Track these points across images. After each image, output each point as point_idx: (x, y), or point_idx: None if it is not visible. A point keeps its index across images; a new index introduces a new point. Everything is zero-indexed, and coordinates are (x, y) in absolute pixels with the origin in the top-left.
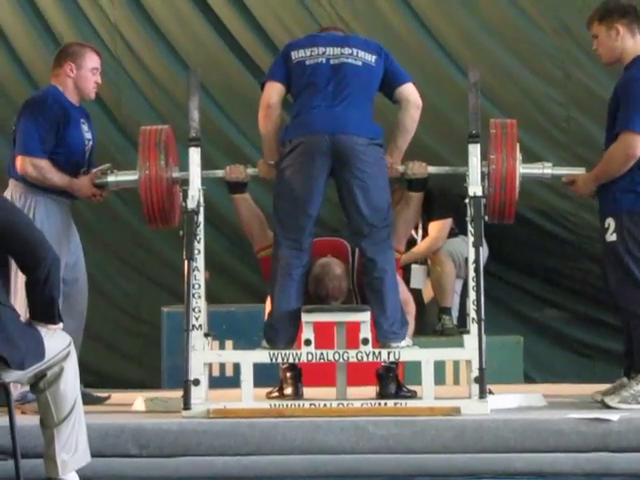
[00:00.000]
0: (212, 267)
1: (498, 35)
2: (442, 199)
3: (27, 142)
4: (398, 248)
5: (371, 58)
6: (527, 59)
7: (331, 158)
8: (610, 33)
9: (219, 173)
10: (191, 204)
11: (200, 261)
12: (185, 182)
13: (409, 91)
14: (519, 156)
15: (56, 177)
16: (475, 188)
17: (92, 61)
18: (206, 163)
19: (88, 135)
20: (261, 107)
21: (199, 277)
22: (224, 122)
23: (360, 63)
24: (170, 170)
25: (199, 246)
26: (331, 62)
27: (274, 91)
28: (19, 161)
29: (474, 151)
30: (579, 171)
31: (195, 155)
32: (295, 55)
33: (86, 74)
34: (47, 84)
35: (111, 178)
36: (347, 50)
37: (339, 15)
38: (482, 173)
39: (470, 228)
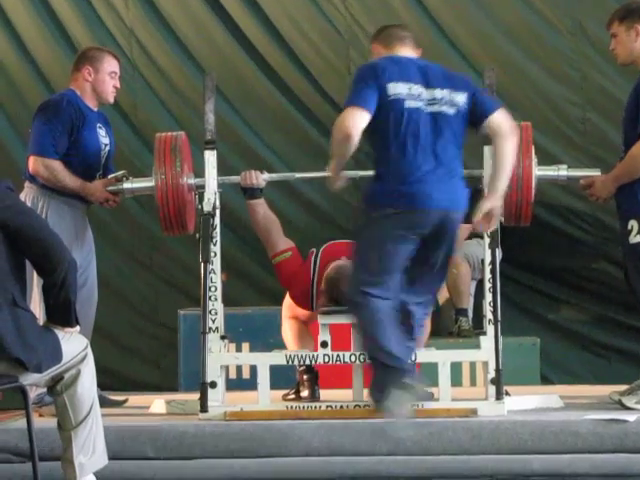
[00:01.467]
0: (229, 269)
1: (513, 36)
2: None
3: (39, 143)
4: None
5: (462, 99)
6: (543, 60)
7: (433, 229)
8: (630, 33)
9: (235, 179)
10: (207, 207)
11: (216, 264)
12: (200, 188)
13: (500, 120)
14: (534, 158)
15: (68, 179)
16: None
17: (110, 65)
18: (222, 166)
19: (105, 140)
20: (341, 132)
21: (215, 280)
22: (239, 125)
23: (454, 111)
24: (185, 176)
25: (215, 249)
26: (429, 109)
27: (362, 121)
28: (31, 161)
29: (489, 153)
30: (594, 172)
31: (211, 158)
32: (393, 90)
33: (104, 78)
34: (61, 85)
35: (127, 185)
36: (440, 93)
37: (354, 17)
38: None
39: None
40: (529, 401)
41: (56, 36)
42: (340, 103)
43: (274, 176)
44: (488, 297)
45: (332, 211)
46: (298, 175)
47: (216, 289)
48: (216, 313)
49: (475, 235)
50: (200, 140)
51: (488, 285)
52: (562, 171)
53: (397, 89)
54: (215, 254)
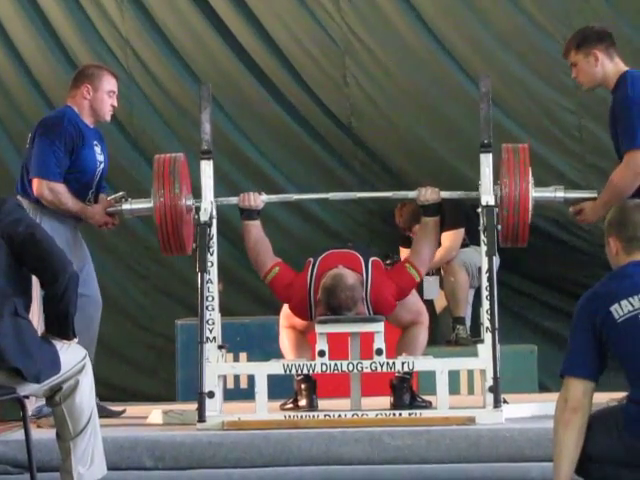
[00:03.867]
0: (225, 279)
1: (508, 43)
2: (454, 209)
3: (44, 165)
4: (420, 271)
5: None
6: (538, 67)
7: None
8: (589, 59)
9: (233, 200)
10: (204, 217)
11: (213, 273)
12: (199, 210)
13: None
14: (531, 180)
15: (70, 202)
16: (487, 197)
17: (109, 84)
18: (218, 176)
19: (100, 158)
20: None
21: (212, 289)
22: (236, 134)
23: None
24: (184, 198)
25: (212, 258)
26: None
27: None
28: (36, 184)
29: (486, 160)
30: (591, 194)
31: (207, 168)
32: (617, 312)
33: (102, 97)
34: (58, 96)
35: (126, 206)
36: None
37: (349, 26)
38: (495, 197)
39: (483, 237)
40: (527, 409)
41: (51, 46)
42: (336, 112)
43: (272, 197)
44: (485, 305)
45: (330, 220)
46: (296, 197)
47: (213, 299)
48: (213, 323)
49: (472, 243)
50: (196, 150)
51: (485, 293)
52: (559, 192)
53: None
54: (212, 264)
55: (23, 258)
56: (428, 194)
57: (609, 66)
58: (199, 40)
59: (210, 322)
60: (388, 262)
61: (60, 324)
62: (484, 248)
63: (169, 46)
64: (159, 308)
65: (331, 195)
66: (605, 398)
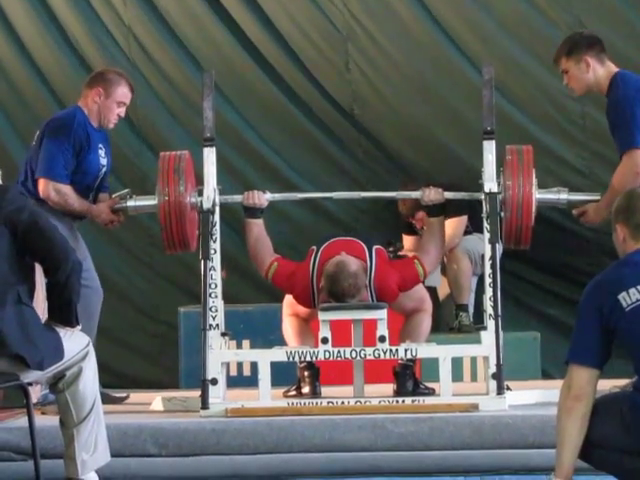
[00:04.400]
0: (229, 266)
1: (512, 31)
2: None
3: (51, 166)
4: (426, 269)
5: None
6: (541, 55)
7: None
8: (580, 66)
9: (237, 198)
10: (207, 204)
11: (216, 261)
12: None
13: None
14: (535, 182)
15: (76, 203)
16: (490, 184)
17: (122, 94)
18: (221, 164)
19: (103, 162)
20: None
21: (216, 277)
22: (239, 122)
23: None
24: (189, 196)
25: (215, 246)
26: None
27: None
28: (42, 184)
29: (489, 147)
30: (594, 197)
31: (210, 155)
32: (625, 300)
33: (111, 105)
34: (59, 83)
35: (130, 203)
36: None
37: (352, 13)
38: (499, 199)
39: (486, 225)
40: (530, 396)
41: (53, 32)
42: (338, 99)
43: (277, 196)
44: (488, 292)
45: (333, 207)
46: (301, 195)
47: (216, 286)
48: (216, 310)
49: (475, 230)
50: (199, 137)
51: (488, 280)
52: (562, 194)
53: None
54: (215, 251)
55: (26, 246)
56: (432, 195)
57: (600, 71)
58: (202, 27)
59: (213, 309)
60: (391, 249)
61: (63, 311)
62: (487, 235)
63: (172, 34)
64: (162, 295)
65: (335, 194)
66: (608, 385)
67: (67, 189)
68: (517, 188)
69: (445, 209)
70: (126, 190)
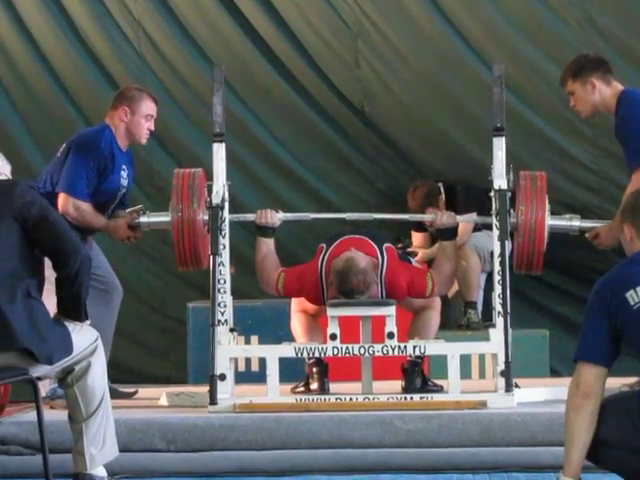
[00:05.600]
0: (237, 262)
1: (522, 28)
2: (466, 194)
3: (73, 183)
4: (435, 288)
5: None
6: (551, 52)
7: None
8: (586, 88)
9: (250, 217)
10: (216, 199)
11: (225, 256)
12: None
13: None
14: (548, 208)
15: (94, 220)
16: (500, 181)
17: (148, 108)
18: (230, 159)
19: (124, 182)
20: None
21: (224, 272)
22: (248, 117)
23: None
24: (202, 213)
25: (224, 241)
26: None
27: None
28: (62, 199)
29: (499, 144)
30: (605, 223)
31: (220, 150)
32: (633, 298)
33: (139, 120)
34: (70, 79)
35: (143, 219)
36: None
37: (362, 9)
38: (511, 224)
39: (495, 222)
40: (538, 393)
41: (63, 26)
42: (348, 95)
43: (289, 216)
44: (497, 289)
45: (343, 205)
46: (313, 215)
47: (225, 282)
48: (225, 306)
49: (484, 227)
50: (208, 132)
51: (497, 277)
52: (575, 221)
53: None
54: (224, 247)
55: (36, 240)
56: (444, 218)
57: (607, 92)
58: (212, 22)
59: (222, 305)
60: (400, 246)
61: (72, 306)
62: (496, 232)
63: (182, 28)
64: (171, 291)
65: (347, 215)
66: (617, 383)
67: (86, 206)
68: (530, 214)
69: (457, 233)
70: (140, 206)
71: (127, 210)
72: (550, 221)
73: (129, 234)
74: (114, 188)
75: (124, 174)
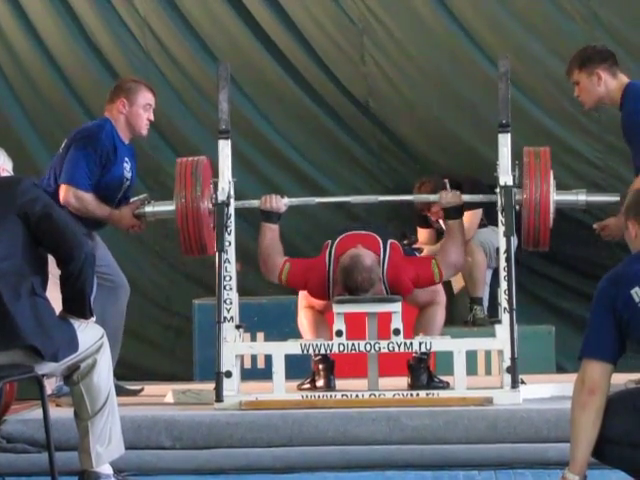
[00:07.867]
0: (243, 259)
1: (527, 24)
2: (472, 189)
3: (74, 173)
4: (442, 272)
5: None
6: (556, 47)
7: None
8: (592, 79)
9: (254, 203)
10: (221, 196)
11: (231, 253)
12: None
13: None
14: (553, 183)
15: (97, 210)
16: (506, 178)
17: (145, 98)
18: (236, 156)
19: (128, 175)
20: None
21: (230, 269)
22: (254, 114)
23: None
24: (206, 200)
25: (230, 238)
26: None
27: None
28: (63, 190)
29: (504, 141)
30: (613, 197)
31: (225, 147)
32: (638, 295)
33: (138, 111)
34: (75, 76)
35: (148, 209)
36: None
37: (367, 5)
38: (516, 201)
39: (501, 218)
40: (545, 389)
41: (68, 23)
42: (353, 91)
43: (294, 201)
44: (503, 285)
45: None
46: (318, 200)
47: (231, 278)
48: (231, 302)
49: (490, 223)
50: (214, 129)
51: (503, 273)
52: (581, 195)
53: None
54: (230, 243)
55: (40, 237)
56: (449, 197)
57: (612, 84)
58: (217, 20)
59: (228, 302)
60: (405, 242)
61: (77, 303)
62: (502, 228)
63: (187, 26)
64: (177, 288)
65: (352, 199)
66: (623, 379)
67: (87, 196)
68: (534, 189)
69: (463, 212)
70: (144, 195)
71: (131, 200)
72: (556, 196)
73: (134, 222)
74: (118, 180)
75: (127, 166)
